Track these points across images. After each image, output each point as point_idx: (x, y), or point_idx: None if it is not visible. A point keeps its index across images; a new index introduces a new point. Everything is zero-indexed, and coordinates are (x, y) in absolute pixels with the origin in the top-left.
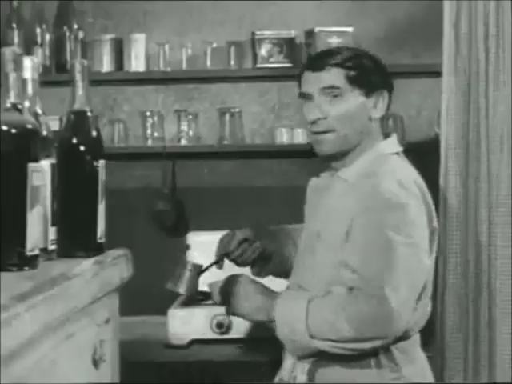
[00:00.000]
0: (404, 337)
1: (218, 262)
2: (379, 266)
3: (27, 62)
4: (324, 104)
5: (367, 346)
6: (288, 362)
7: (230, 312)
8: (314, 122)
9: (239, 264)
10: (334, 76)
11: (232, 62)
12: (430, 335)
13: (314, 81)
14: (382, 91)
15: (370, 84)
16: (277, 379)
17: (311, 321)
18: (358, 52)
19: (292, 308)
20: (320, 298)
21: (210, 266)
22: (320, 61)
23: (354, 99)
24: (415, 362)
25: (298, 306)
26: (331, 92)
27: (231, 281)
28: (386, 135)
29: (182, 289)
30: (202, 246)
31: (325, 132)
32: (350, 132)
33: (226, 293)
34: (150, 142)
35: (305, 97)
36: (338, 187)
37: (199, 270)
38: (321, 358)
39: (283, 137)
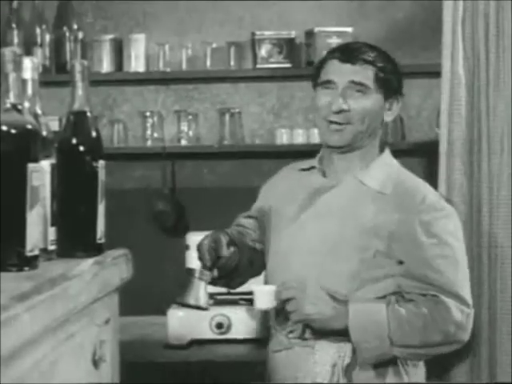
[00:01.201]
0: None
1: (214, 268)
2: (447, 270)
3: (27, 63)
4: (349, 97)
5: (447, 349)
6: (324, 367)
7: (298, 319)
8: (336, 113)
9: (222, 271)
10: (366, 73)
11: (232, 63)
12: None
13: (346, 72)
14: (398, 96)
15: (391, 88)
16: (308, 380)
17: (394, 327)
18: (384, 53)
19: (370, 315)
20: (397, 305)
21: (211, 271)
22: (354, 54)
23: (376, 99)
24: None
25: (377, 313)
26: (358, 87)
27: (298, 286)
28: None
29: (193, 300)
30: None
31: (344, 124)
32: (364, 130)
33: (289, 299)
34: (149, 143)
35: (326, 85)
36: (356, 191)
37: (207, 278)
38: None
39: (283, 137)
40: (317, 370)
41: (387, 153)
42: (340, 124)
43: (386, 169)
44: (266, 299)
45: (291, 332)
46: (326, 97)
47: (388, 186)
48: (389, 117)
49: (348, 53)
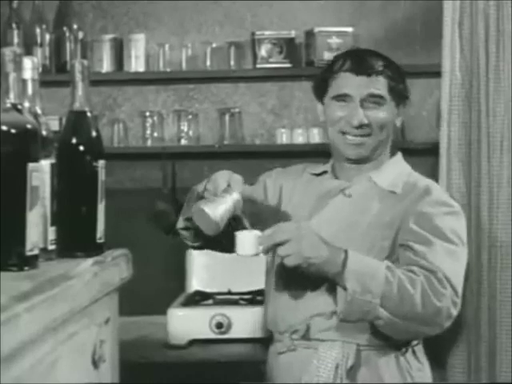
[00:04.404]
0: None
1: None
2: (447, 263)
3: (27, 63)
4: (367, 110)
5: (428, 331)
6: (327, 368)
7: (295, 263)
8: (357, 127)
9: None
10: (381, 84)
11: (232, 62)
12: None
13: (362, 85)
14: (406, 100)
15: (401, 94)
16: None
17: (389, 286)
18: (389, 58)
19: (367, 266)
20: (396, 270)
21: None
22: (367, 65)
23: (390, 109)
24: (425, 358)
25: (375, 267)
26: (374, 99)
27: (294, 227)
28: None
29: (210, 210)
30: None
31: (364, 136)
32: (382, 139)
33: (289, 239)
34: (149, 142)
35: (341, 98)
36: (369, 190)
37: (239, 204)
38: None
39: (283, 137)
40: (320, 371)
41: (399, 156)
42: (361, 136)
43: (397, 170)
44: (249, 244)
45: (294, 332)
46: (342, 110)
47: (398, 185)
48: (398, 122)
49: (360, 64)
